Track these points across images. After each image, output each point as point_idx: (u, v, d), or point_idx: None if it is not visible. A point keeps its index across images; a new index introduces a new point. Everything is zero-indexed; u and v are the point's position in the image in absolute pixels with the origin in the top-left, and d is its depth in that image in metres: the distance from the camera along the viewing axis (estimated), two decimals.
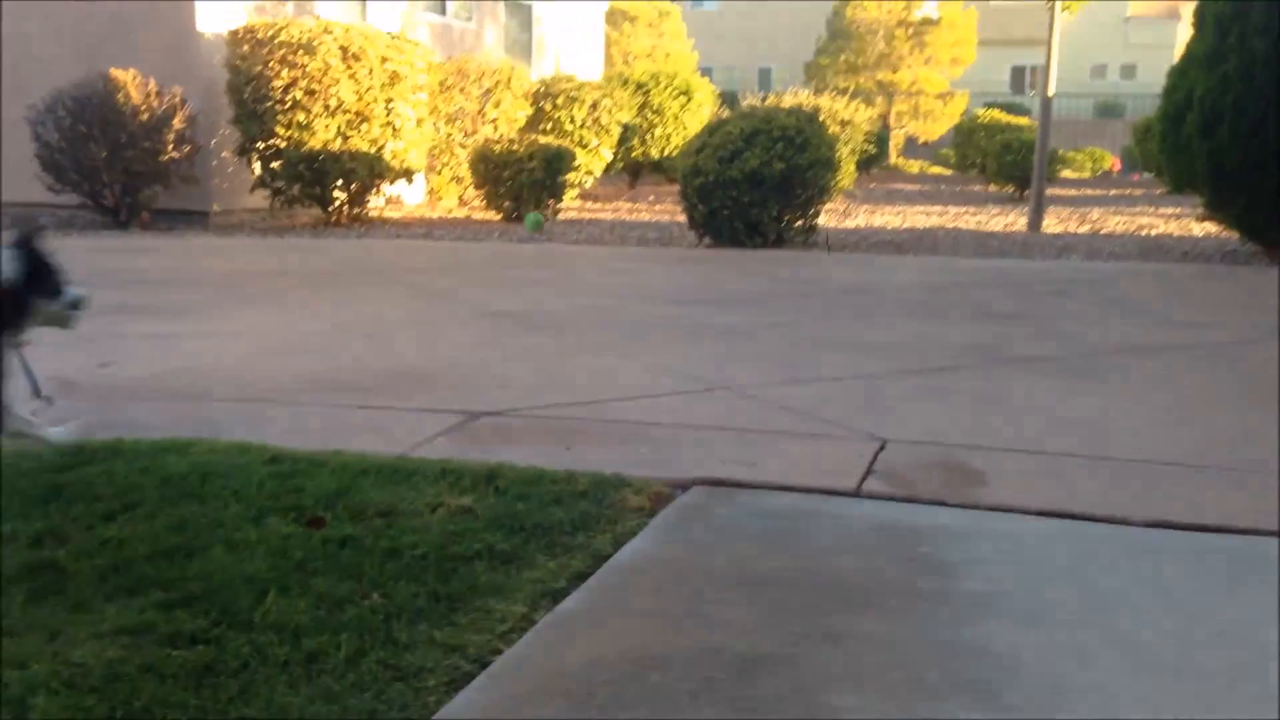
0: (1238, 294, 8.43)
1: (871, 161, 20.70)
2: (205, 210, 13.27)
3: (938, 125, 32.68)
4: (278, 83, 12.16)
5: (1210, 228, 12.17)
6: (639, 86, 19.01)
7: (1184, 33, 44.44)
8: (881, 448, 4.23)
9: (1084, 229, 13.49)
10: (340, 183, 12.64)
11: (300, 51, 12.17)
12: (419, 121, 13.35)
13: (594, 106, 16.15)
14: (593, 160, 16.04)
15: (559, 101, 15.89)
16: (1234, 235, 10.83)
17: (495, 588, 2.86)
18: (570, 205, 15.42)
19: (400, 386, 5.15)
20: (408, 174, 13.36)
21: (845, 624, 2.77)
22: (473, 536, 3.15)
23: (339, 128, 12.48)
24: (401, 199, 15.20)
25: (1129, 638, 2.72)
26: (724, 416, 4.77)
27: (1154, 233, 13.05)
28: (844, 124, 16.79)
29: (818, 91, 21.09)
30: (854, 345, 6.28)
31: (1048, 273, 9.44)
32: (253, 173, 12.99)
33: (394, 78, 12.83)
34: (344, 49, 12.42)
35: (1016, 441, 4.40)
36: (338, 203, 12.95)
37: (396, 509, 3.34)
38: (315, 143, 12.34)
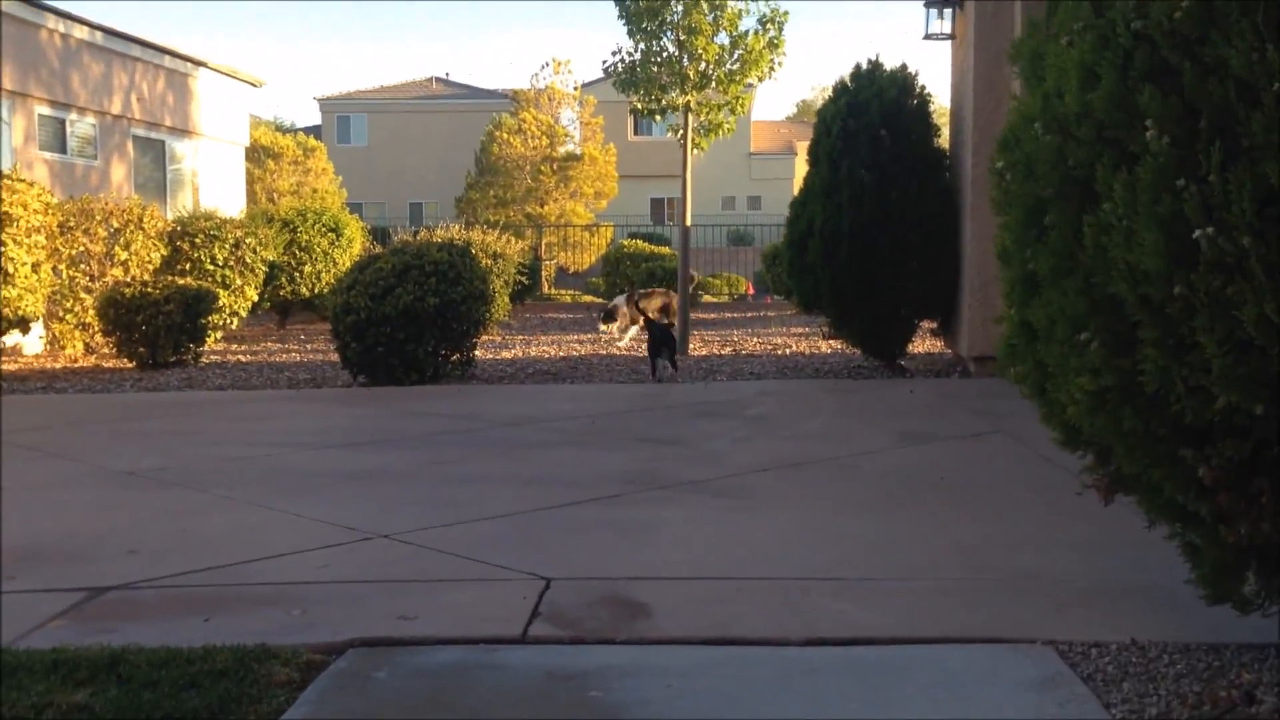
0: (865, 405, 9.10)
1: (525, 292, 21.04)
2: None
3: (587, 255, 33.90)
4: None
5: (836, 345, 13.15)
6: (285, 224, 18.44)
7: (800, 166, 48.63)
8: (546, 587, 4.14)
9: (727, 350, 14.22)
10: None
11: None
12: (35, 266, 12.28)
13: (237, 245, 15.48)
14: (237, 301, 15.32)
15: (198, 240, 15.11)
16: (857, 351, 11.75)
17: None
18: (215, 348, 14.61)
19: (8, 566, 4.54)
20: (24, 324, 12.17)
21: None
22: None
23: None
24: (21, 348, 13.86)
25: None
26: (380, 567, 4.54)
27: (788, 351, 13.94)
28: (496, 257, 16.99)
29: (469, 225, 21.36)
30: (514, 480, 6.20)
31: (696, 394, 9.82)
32: None
33: (4, 220, 11.77)
34: None
35: (677, 569, 4.44)
36: None
37: None
38: None
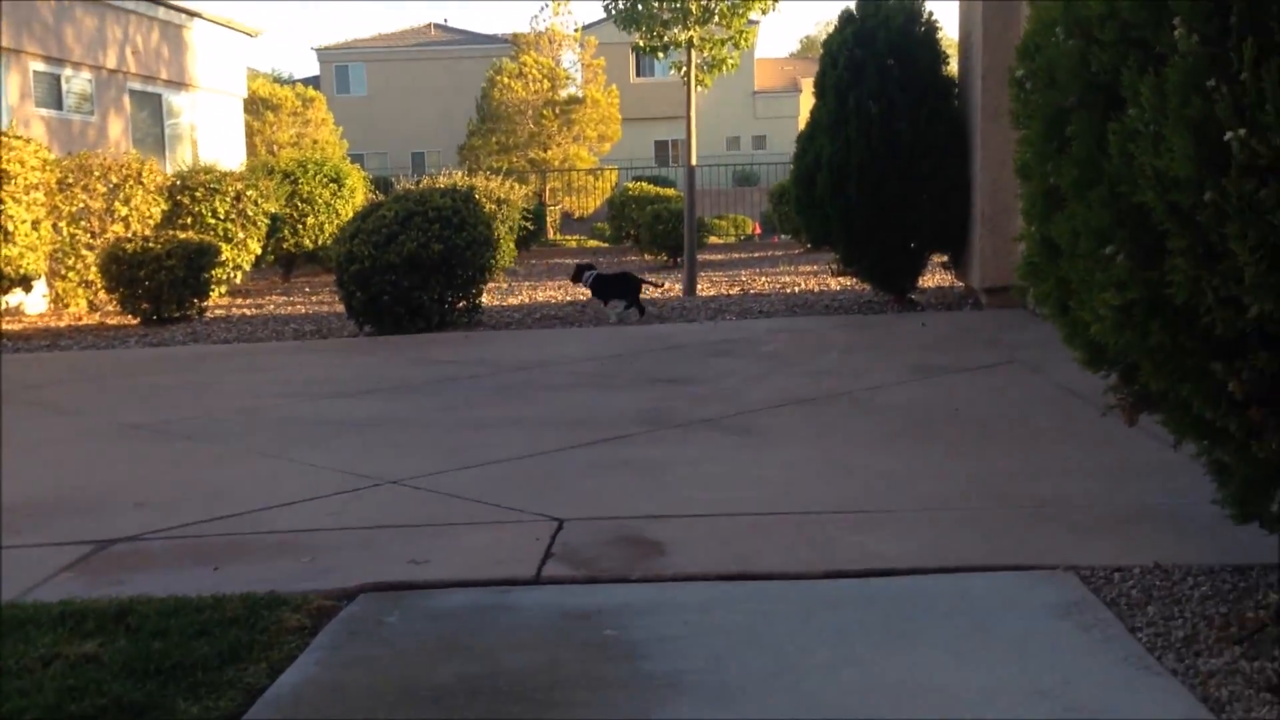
0: (875, 340, 8.99)
1: (531, 238, 20.88)
2: None
3: (591, 200, 33.66)
4: None
5: (846, 281, 13.02)
6: (286, 175, 18.27)
7: (805, 103, 48.12)
8: (559, 528, 4.08)
9: (735, 290, 14.11)
10: None
11: None
12: (35, 223, 12.18)
13: (238, 198, 15.34)
14: (240, 254, 15.19)
15: (198, 195, 14.98)
16: (867, 287, 11.62)
17: None
18: (219, 303, 14.54)
19: (16, 520, 4.50)
20: (25, 282, 12.10)
21: None
22: (96, 690, 2.71)
23: None
24: (23, 308, 13.80)
25: (816, 701, 2.66)
26: (391, 513, 4.48)
27: (797, 289, 13.81)
28: (500, 203, 16.80)
29: (472, 173, 21.16)
30: (525, 423, 6.13)
31: (706, 334, 9.72)
32: None
33: (2, 177, 11.67)
34: None
35: (692, 506, 4.37)
36: None
37: (2, 668, 2.83)
38: None
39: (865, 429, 5.70)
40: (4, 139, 12.03)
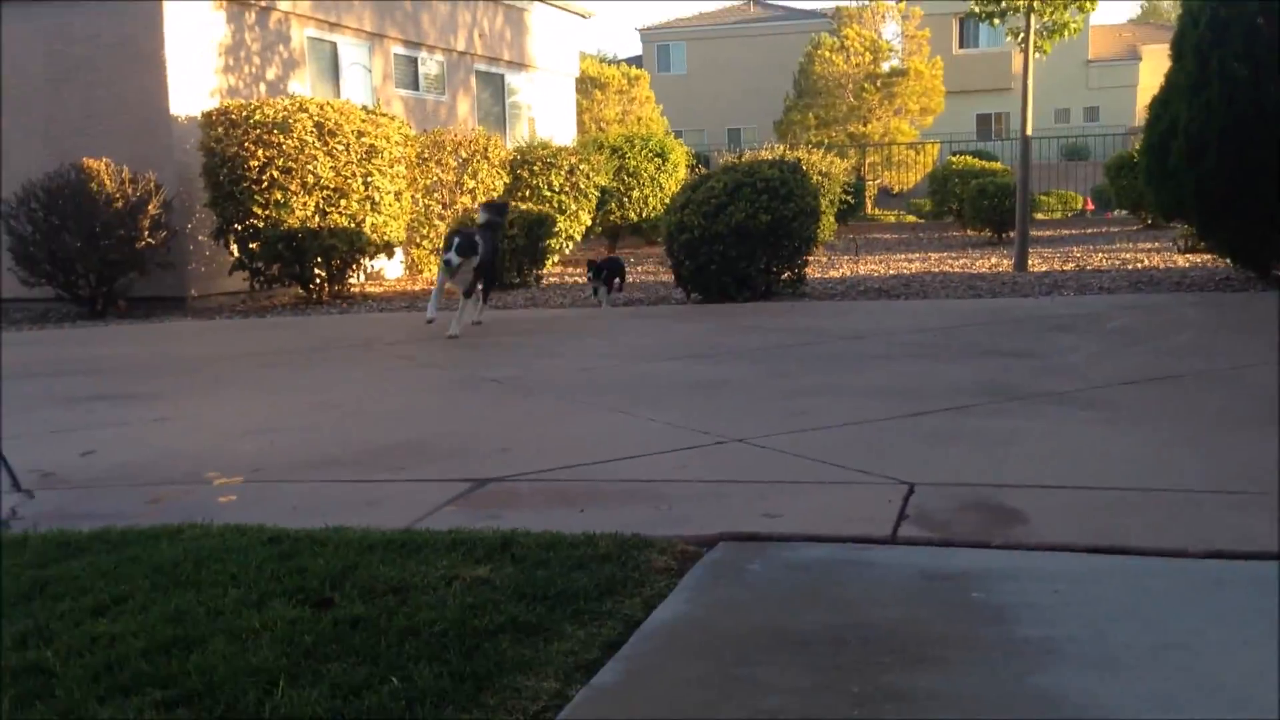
0: (1237, 319, 8.33)
1: (849, 213, 20.68)
2: (182, 295, 13.07)
3: (911, 174, 32.88)
4: (254, 163, 12.03)
5: (1196, 258, 12.12)
6: (614, 150, 18.97)
7: (1146, 71, 44.46)
8: (910, 491, 4.04)
9: (1069, 266, 13.43)
10: (320, 260, 12.47)
11: (275, 130, 12.06)
12: (398, 194, 13.24)
13: (571, 172, 16.08)
14: (572, 225, 15.93)
15: (536, 169, 15.82)
16: (1224, 263, 10.76)
17: (523, 663, 2.65)
18: (553, 271, 15.31)
19: (399, 458, 4.94)
20: (389, 248, 13.21)
21: (905, 681, 2.56)
22: (494, 609, 2.93)
23: (317, 204, 12.34)
24: (383, 273, 15.04)
25: (1211, 680, 2.52)
26: (739, 468, 4.58)
27: (1140, 266, 12.98)
28: (823, 175, 16.77)
29: (792, 147, 21.20)
30: (860, 390, 6.10)
31: (1043, 309, 9.31)
32: (231, 254, 12.82)
33: (371, 152, 12.73)
34: (319, 125, 12.32)
35: (1048, 478, 4.21)
36: (319, 280, 12.77)
37: (409, 584, 3.12)
38: (293, 221, 12.18)
39: (1232, 409, 5.30)
40: (372, 116, 13.10)
